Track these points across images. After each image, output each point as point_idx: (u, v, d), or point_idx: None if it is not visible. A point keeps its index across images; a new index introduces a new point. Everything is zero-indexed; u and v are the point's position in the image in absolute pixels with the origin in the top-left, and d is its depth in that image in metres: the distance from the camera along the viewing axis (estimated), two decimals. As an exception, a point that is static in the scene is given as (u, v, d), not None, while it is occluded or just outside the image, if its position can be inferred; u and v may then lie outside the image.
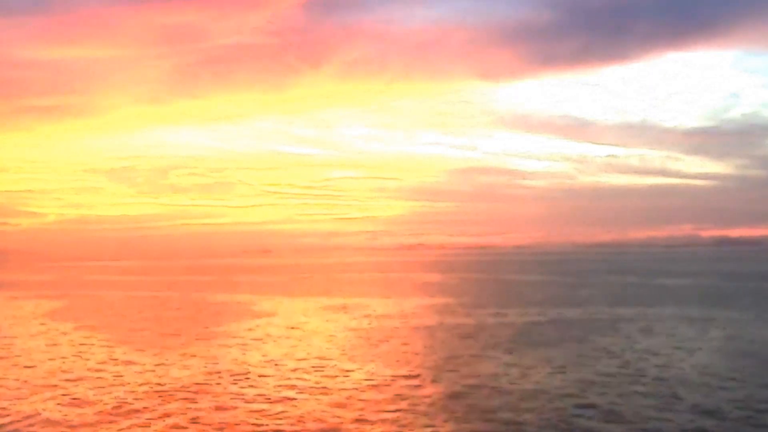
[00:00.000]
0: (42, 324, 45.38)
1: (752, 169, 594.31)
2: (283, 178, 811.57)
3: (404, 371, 26.19)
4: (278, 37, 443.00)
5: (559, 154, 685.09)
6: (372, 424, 18.78)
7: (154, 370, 27.08)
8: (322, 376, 25.46)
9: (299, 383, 24.26)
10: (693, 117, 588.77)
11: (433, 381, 24.38)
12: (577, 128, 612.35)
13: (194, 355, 30.76)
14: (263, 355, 30.57)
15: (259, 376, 25.75)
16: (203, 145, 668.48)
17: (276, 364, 28.17)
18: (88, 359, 30.28)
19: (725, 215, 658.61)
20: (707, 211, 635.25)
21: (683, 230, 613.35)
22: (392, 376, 25.35)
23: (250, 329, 40.73)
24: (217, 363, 28.64)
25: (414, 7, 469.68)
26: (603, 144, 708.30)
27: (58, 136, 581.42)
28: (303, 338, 36.40)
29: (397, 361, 28.62)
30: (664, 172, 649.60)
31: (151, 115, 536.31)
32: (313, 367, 27.49)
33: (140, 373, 26.60)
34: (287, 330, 40.09)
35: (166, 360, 29.56)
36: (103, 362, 29.31)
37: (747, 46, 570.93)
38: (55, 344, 35.43)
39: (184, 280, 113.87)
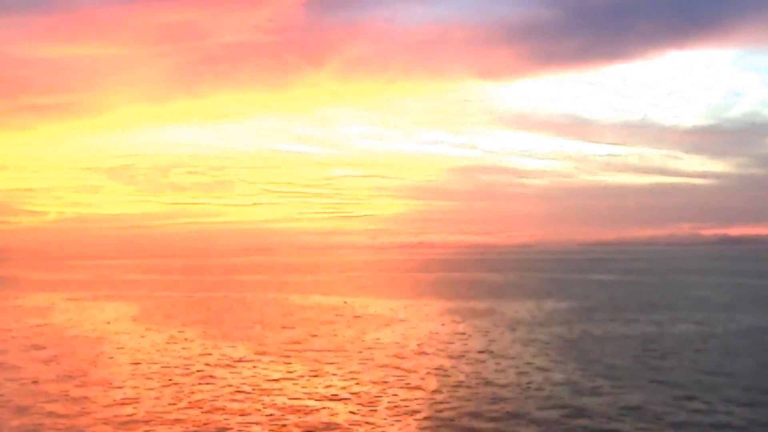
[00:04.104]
0: (162, 334, 39.58)
1: (752, 167, 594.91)
2: (284, 177, 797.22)
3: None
4: (279, 36, 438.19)
5: (560, 153, 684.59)
6: None
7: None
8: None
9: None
10: (693, 115, 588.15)
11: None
12: (578, 127, 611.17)
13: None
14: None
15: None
16: (203, 144, 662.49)
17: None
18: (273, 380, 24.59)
19: (726, 214, 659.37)
20: (708, 210, 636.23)
21: (684, 229, 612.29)
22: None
23: (404, 337, 35.08)
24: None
25: (415, 6, 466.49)
26: (603, 143, 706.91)
27: (59, 134, 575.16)
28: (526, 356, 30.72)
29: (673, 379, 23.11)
30: (664, 171, 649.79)
31: (152, 113, 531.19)
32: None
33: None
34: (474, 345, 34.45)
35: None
36: (310, 388, 23.59)
37: (747, 45, 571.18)
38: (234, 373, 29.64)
39: (230, 279, 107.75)
